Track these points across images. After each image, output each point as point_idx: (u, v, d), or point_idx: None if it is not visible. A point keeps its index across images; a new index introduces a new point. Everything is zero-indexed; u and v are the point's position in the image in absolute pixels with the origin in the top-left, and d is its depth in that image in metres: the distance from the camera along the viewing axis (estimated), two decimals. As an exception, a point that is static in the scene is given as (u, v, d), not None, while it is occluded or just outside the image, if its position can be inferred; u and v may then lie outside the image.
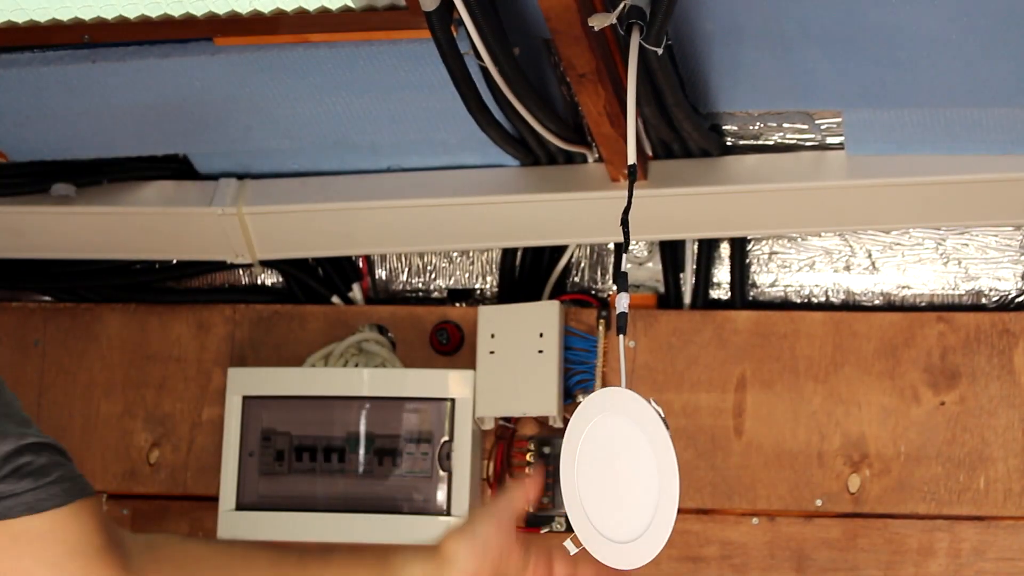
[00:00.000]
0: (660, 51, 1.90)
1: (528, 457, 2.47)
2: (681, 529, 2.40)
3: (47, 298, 2.75)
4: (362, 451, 2.49)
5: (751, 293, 2.54)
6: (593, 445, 1.63)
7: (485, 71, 2.07)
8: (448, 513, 2.44)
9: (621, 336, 1.65)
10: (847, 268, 2.52)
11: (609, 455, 1.61)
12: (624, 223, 1.71)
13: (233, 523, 2.51)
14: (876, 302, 2.51)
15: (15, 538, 1.51)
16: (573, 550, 1.65)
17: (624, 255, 1.71)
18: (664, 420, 1.56)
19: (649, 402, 1.57)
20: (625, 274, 1.70)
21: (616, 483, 1.60)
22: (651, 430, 1.57)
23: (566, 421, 2.38)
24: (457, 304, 2.65)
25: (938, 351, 2.38)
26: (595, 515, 1.62)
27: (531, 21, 2.07)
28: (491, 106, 2.18)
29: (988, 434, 2.35)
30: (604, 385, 2.41)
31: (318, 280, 2.65)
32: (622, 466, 1.60)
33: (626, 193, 2.31)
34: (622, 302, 1.66)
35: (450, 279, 2.68)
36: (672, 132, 2.24)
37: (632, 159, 1.81)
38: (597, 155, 2.36)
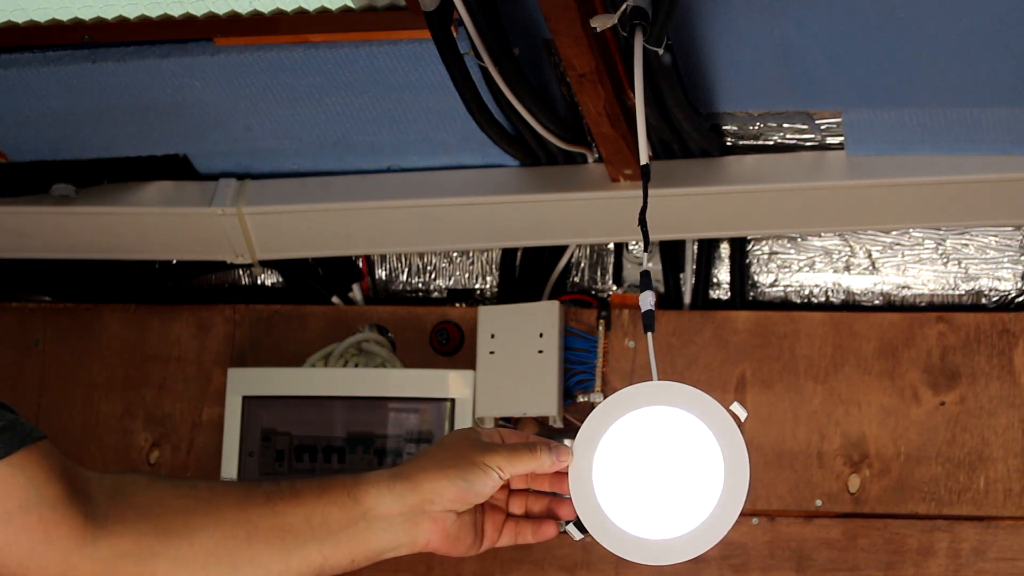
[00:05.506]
0: (661, 51, 1.91)
1: (528, 457, 2.46)
2: (681, 529, 2.40)
3: (47, 298, 2.75)
4: (362, 451, 2.49)
5: (751, 293, 2.54)
6: (633, 435, 1.61)
7: (485, 71, 2.07)
8: (448, 513, 2.45)
9: (649, 334, 1.65)
10: (847, 268, 2.52)
11: (654, 448, 1.60)
12: (642, 222, 1.73)
13: (233, 523, 2.51)
14: (876, 302, 2.51)
15: None
16: (577, 536, 1.64)
17: (645, 253, 1.73)
18: (740, 425, 1.56)
19: (732, 407, 1.58)
20: (648, 272, 1.71)
21: (656, 477, 1.59)
22: (719, 434, 1.57)
23: (566, 421, 2.39)
24: (457, 304, 2.65)
25: (938, 351, 2.38)
26: (614, 505, 1.60)
27: (531, 21, 2.07)
28: (491, 106, 2.18)
29: (988, 434, 2.34)
30: (604, 385, 2.41)
31: (318, 280, 2.64)
32: (669, 462, 1.59)
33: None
34: (647, 300, 1.67)
35: (450, 279, 2.67)
36: (672, 132, 2.24)
37: (644, 159, 1.82)
38: (597, 155, 2.36)
